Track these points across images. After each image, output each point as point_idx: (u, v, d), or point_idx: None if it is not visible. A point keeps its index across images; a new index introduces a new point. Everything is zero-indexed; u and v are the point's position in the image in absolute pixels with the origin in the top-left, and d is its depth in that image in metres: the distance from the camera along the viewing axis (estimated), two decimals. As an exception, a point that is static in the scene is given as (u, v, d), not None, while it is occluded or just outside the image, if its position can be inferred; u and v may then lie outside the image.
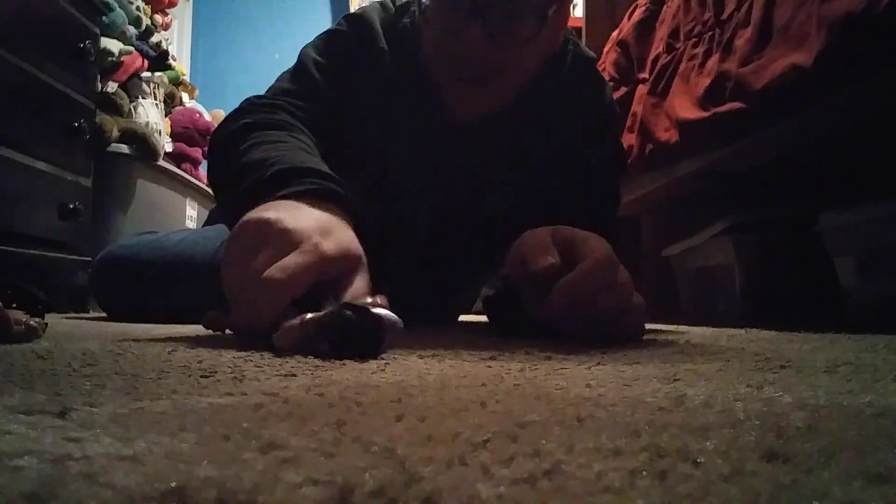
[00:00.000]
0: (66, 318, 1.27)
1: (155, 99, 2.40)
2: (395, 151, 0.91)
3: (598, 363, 0.49)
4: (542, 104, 0.91)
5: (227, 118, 0.81)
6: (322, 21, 3.97)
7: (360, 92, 0.89)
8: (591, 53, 0.98)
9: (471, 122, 0.88)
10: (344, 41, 0.91)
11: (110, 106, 2.10)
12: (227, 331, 0.75)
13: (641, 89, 1.66)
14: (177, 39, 3.52)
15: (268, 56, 3.87)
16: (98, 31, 1.85)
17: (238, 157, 0.68)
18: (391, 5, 0.94)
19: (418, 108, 0.89)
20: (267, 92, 0.87)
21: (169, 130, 2.56)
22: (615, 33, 1.92)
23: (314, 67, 0.88)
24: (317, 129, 0.79)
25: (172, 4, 2.65)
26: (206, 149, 2.81)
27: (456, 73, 0.82)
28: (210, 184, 0.81)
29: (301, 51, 0.92)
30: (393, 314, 0.48)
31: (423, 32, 0.86)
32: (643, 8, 1.77)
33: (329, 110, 0.85)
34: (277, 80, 0.90)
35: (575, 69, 0.93)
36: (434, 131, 0.90)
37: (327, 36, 0.93)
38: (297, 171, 0.62)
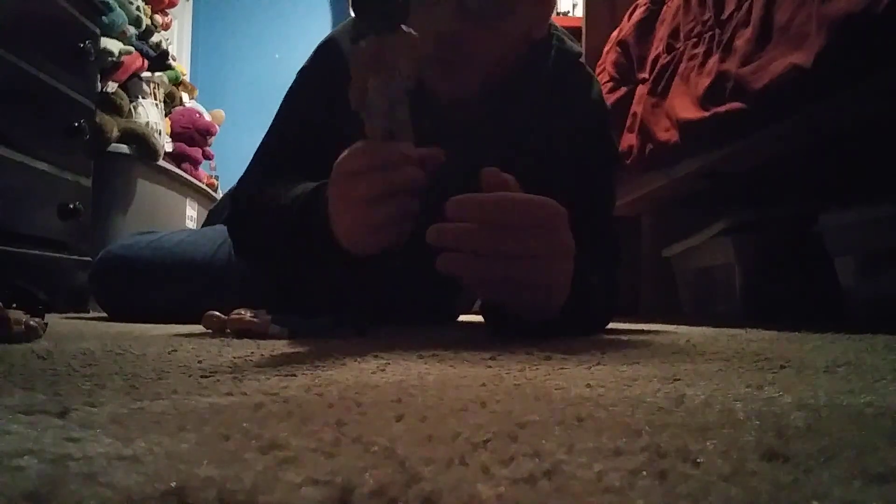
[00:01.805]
0: (66, 318, 1.27)
1: (155, 99, 2.40)
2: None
3: (598, 363, 0.49)
4: (525, 99, 0.90)
5: (234, 205, 0.94)
6: (322, 21, 3.98)
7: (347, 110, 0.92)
8: (578, 49, 0.97)
9: (451, 105, 0.88)
10: (312, 78, 0.96)
11: (110, 106, 2.10)
12: (227, 330, 0.75)
13: (641, 89, 1.66)
14: (177, 39, 3.51)
15: (268, 56, 3.87)
16: (98, 31, 1.85)
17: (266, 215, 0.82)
18: None
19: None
20: (247, 171, 0.97)
21: (169, 130, 2.56)
22: (615, 33, 1.92)
23: (285, 120, 0.96)
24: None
25: (172, 4, 2.65)
26: (206, 149, 2.82)
27: (431, 53, 0.82)
28: (249, 240, 0.92)
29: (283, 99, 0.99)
30: None
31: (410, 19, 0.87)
32: (643, 8, 1.76)
33: (309, 149, 0.91)
34: (258, 146, 0.97)
35: (559, 65, 0.92)
36: (422, 122, 0.90)
37: (298, 77, 0.97)
38: (311, 189, 0.75)
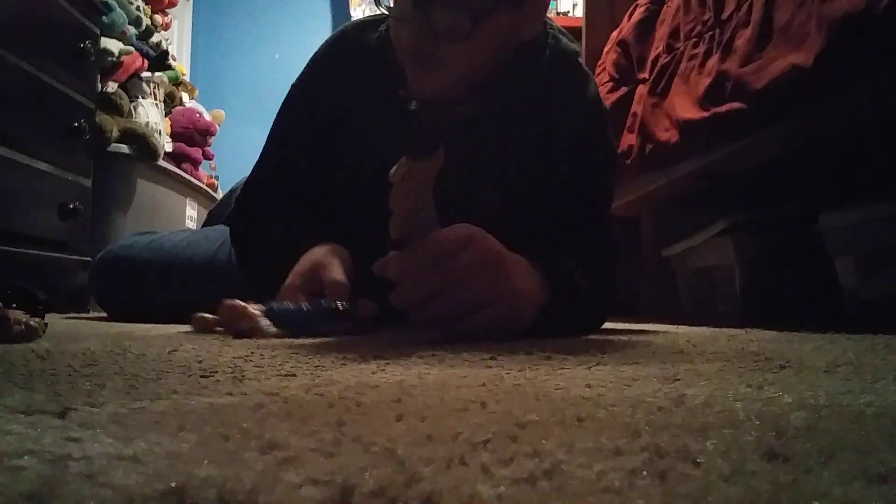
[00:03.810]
0: (66, 318, 1.27)
1: (155, 99, 2.40)
2: (391, 148, 0.90)
3: (598, 363, 0.49)
4: (517, 99, 0.89)
5: (239, 209, 1.01)
6: (322, 21, 3.97)
7: (356, 101, 0.94)
8: (573, 47, 0.95)
9: (435, 105, 0.88)
10: (323, 68, 0.98)
11: (110, 106, 2.10)
12: (217, 329, 0.75)
13: (641, 89, 1.66)
14: (177, 39, 3.51)
15: (268, 56, 3.87)
16: (98, 31, 1.85)
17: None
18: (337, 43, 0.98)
19: (394, 102, 0.89)
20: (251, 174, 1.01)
21: (169, 130, 2.56)
22: (615, 33, 1.92)
23: (292, 111, 0.99)
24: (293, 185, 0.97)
25: (172, 4, 2.65)
26: (206, 149, 2.82)
27: (404, 58, 0.82)
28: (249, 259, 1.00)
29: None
30: None
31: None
32: (643, 8, 1.76)
33: (315, 142, 0.96)
34: (262, 151, 1.00)
35: (554, 64, 0.90)
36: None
37: (308, 67, 0.99)
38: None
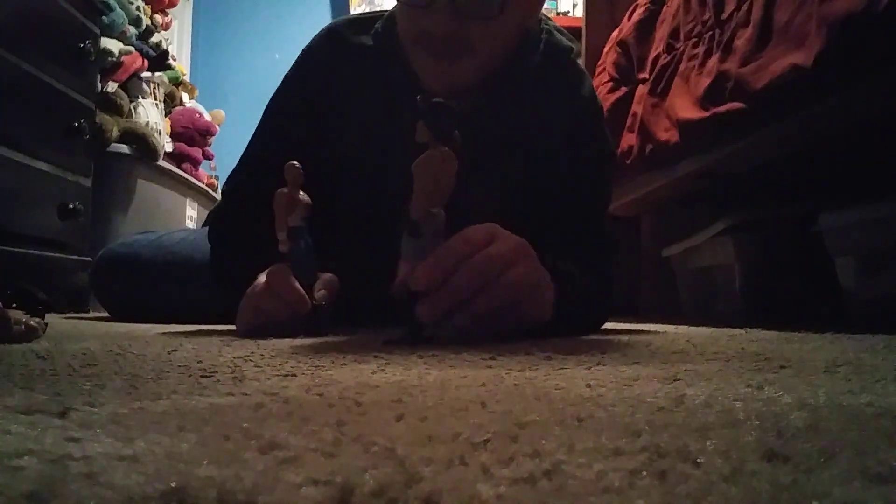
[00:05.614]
0: (66, 318, 1.27)
1: (155, 99, 2.40)
2: (386, 149, 0.89)
3: (598, 363, 0.49)
4: (511, 96, 0.88)
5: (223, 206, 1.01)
6: (322, 22, 3.96)
7: (330, 114, 0.92)
8: (567, 43, 0.94)
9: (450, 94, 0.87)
10: (312, 65, 0.95)
11: (110, 106, 2.10)
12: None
13: (641, 89, 1.66)
14: (177, 39, 3.51)
15: (268, 56, 3.87)
16: (98, 31, 1.85)
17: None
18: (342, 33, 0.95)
19: (398, 97, 0.86)
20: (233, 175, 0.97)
21: (169, 130, 2.56)
22: (615, 33, 1.92)
23: (278, 109, 0.96)
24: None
25: (172, 4, 2.65)
26: (206, 149, 2.82)
27: (426, 50, 0.80)
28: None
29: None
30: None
31: (398, 17, 0.85)
32: (643, 8, 1.76)
33: (299, 140, 0.91)
34: (245, 151, 0.97)
35: (547, 59, 0.89)
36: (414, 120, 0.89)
37: (296, 66, 0.97)
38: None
